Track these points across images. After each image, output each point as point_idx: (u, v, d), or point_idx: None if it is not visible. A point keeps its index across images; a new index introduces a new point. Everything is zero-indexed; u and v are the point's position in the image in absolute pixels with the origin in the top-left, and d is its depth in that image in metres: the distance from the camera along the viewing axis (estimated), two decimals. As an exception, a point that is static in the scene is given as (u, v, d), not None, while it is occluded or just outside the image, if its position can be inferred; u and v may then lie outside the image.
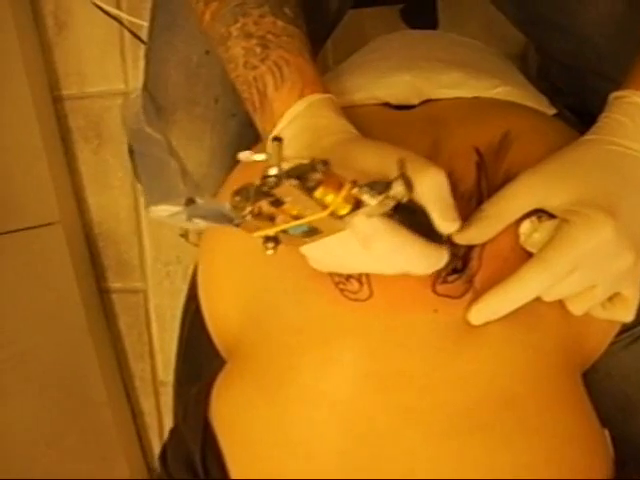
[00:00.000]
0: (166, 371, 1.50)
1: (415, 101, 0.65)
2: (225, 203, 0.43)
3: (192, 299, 0.68)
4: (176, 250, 1.46)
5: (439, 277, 0.50)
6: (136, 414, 1.53)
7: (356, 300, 0.50)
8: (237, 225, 0.44)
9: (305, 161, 0.42)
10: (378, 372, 0.48)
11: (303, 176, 0.41)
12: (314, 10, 0.79)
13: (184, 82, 0.76)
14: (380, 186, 0.43)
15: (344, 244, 0.46)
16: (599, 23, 0.69)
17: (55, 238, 1.38)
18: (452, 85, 0.64)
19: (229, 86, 0.63)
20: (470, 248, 0.51)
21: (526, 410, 0.48)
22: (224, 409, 0.52)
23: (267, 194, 0.41)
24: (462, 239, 0.49)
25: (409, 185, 0.43)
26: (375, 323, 0.50)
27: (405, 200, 0.44)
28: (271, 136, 0.45)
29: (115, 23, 1.40)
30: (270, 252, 0.44)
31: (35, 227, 1.32)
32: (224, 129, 0.76)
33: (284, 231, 0.44)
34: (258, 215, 0.43)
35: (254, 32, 0.59)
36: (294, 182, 0.40)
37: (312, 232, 0.44)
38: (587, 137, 0.52)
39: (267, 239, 0.44)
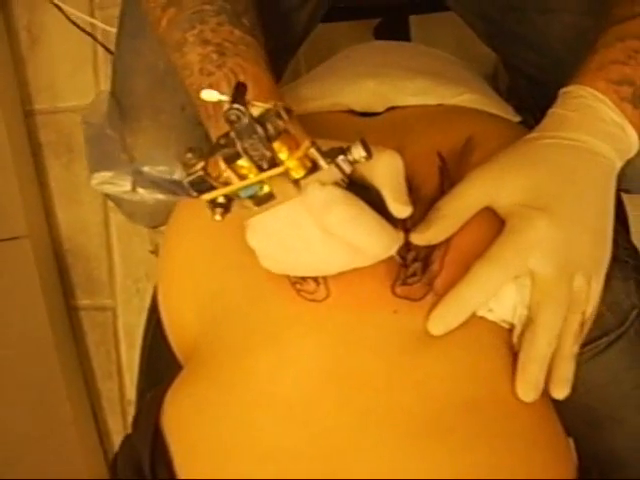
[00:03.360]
0: (134, 391, 1.47)
1: (380, 108, 0.64)
2: (176, 165, 0.42)
3: (154, 310, 0.67)
4: (146, 267, 1.44)
5: (398, 279, 0.49)
6: (103, 434, 1.50)
7: (313, 300, 0.49)
8: (186, 189, 0.42)
9: (268, 106, 0.41)
10: (335, 372, 0.47)
11: (265, 122, 0.40)
12: (282, 22, 0.79)
13: (150, 89, 0.75)
14: (337, 152, 0.43)
15: (295, 222, 0.45)
16: (564, 36, 0.70)
17: (22, 253, 1.36)
18: (417, 92, 0.64)
19: None
20: (431, 251, 0.50)
21: (489, 414, 0.47)
22: (175, 413, 0.50)
23: (222, 146, 0.40)
24: (421, 240, 0.49)
25: (368, 150, 0.42)
26: (332, 323, 0.49)
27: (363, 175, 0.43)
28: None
29: (88, 38, 1.39)
30: (218, 217, 0.43)
31: (1, 240, 1.29)
32: (190, 137, 0.75)
33: (235, 195, 0.43)
34: (208, 175, 0.41)
35: (211, 39, 0.58)
36: (257, 126, 0.39)
37: (263, 199, 0.44)
38: (534, 134, 0.53)
39: (215, 204, 0.43)
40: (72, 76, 1.47)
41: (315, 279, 0.49)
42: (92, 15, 1.44)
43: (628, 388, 0.57)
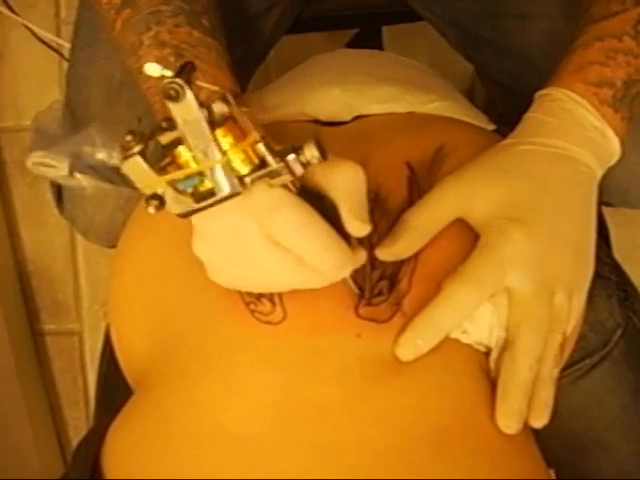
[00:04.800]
0: (100, 421, 1.43)
1: (346, 117, 0.61)
2: (115, 149, 0.38)
3: (110, 337, 0.63)
4: (114, 290, 1.40)
5: (362, 299, 0.45)
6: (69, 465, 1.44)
7: (268, 323, 0.45)
8: (122, 175, 0.38)
9: (215, 88, 0.37)
10: (289, 404, 0.43)
11: (210, 105, 0.37)
12: (247, 29, 0.76)
13: (106, 100, 0.72)
14: (289, 151, 0.39)
15: (237, 227, 0.41)
16: (541, 43, 0.68)
17: (-17, 275, 1.32)
18: (386, 100, 0.61)
19: None
20: (398, 268, 0.46)
21: (461, 447, 0.43)
22: (116, 448, 0.46)
23: (163, 129, 0.37)
24: (388, 255, 0.45)
25: (322, 151, 0.38)
26: (288, 348, 0.44)
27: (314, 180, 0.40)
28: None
29: (54, 54, 1.35)
30: (151, 210, 0.39)
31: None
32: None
33: (173, 187, 0.39)
34: (147, 161, 0.37)
35: (168, 41, 0.54)
36: (200, 108, 0.36)
37: (203, 195, 0.40)
38: (508, 140, 0.51)
39: (152, 195, 0.39)
40: (37, 93, 1.42)
41: (271, 299, 0.45)
42: (58, 30, 1.40)
43: (613, 412, 0.56)
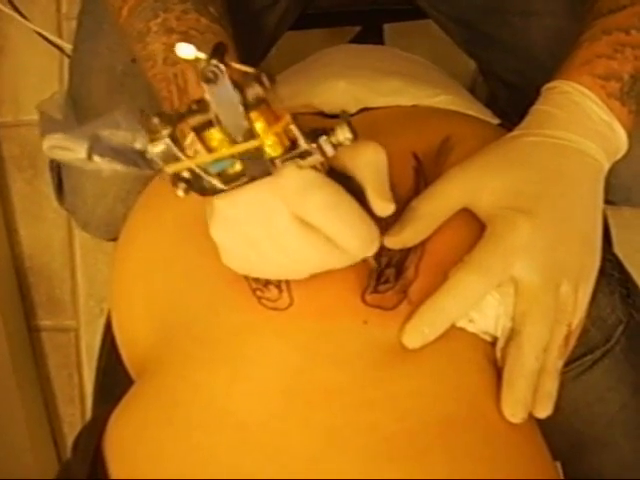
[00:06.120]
0: (96, 416, 1.41)
1: (351, 109, 0.61)
2: (139, 132, 0.38)
3: (110, 329, 0.62)
4: (111, 286, 1.39)
5: (369, 286, 0.45)
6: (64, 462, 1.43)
7: (275, 309, 0.45)
8: (148, 160, 0.38)
9: (249, 70, 0.37)
10: (297, 388, 0.43)
11: (244, 87, 0.36)
12: (251, 23, 0.76)
13: (108, 92, 0.72)
14: (320, 132, 0.39)
15: (264, 207, 0.41)
16: (546, 40, 0.68)
17: (-20, 270, 1.31)
18: (391, 93, 0.61)
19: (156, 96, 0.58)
20: (405, 257, 0.46)
21: (469, 435, 0.43)
22: (118, 435, 0.45)
23: (194, 112, 0.37)
24: (395, 242, 0.45)
25: (354, 131, 0.39)
26: (296, 334, 0.44)
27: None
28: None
29: (54, 50, 1.35)
30: (180, 193, 0.39)
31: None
32: None
33: (202, 170, 0.38)
34: (176, 144, 0.37)
35: (176, 27, 0.55)
36: (234, 91, 0.35)
37: (233, 177, 0.39)
38: (516, 132, 0.51)
39: (179, 178, 0.39)
40: (37, 88, 1.42)
41: (278, 285, 0.45)
42: (59, 26, 1.40)
43: (614, 409, 0.55)
